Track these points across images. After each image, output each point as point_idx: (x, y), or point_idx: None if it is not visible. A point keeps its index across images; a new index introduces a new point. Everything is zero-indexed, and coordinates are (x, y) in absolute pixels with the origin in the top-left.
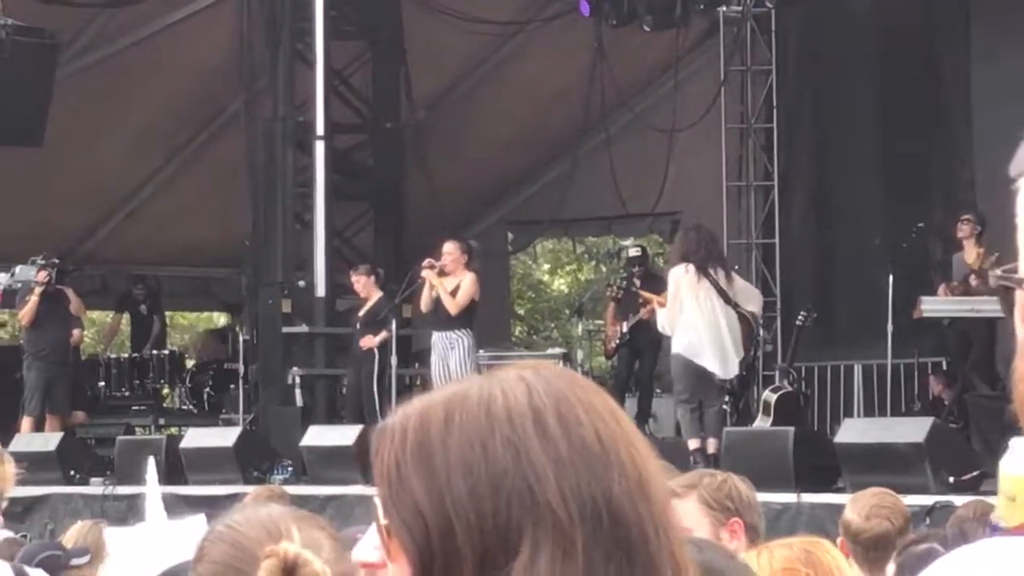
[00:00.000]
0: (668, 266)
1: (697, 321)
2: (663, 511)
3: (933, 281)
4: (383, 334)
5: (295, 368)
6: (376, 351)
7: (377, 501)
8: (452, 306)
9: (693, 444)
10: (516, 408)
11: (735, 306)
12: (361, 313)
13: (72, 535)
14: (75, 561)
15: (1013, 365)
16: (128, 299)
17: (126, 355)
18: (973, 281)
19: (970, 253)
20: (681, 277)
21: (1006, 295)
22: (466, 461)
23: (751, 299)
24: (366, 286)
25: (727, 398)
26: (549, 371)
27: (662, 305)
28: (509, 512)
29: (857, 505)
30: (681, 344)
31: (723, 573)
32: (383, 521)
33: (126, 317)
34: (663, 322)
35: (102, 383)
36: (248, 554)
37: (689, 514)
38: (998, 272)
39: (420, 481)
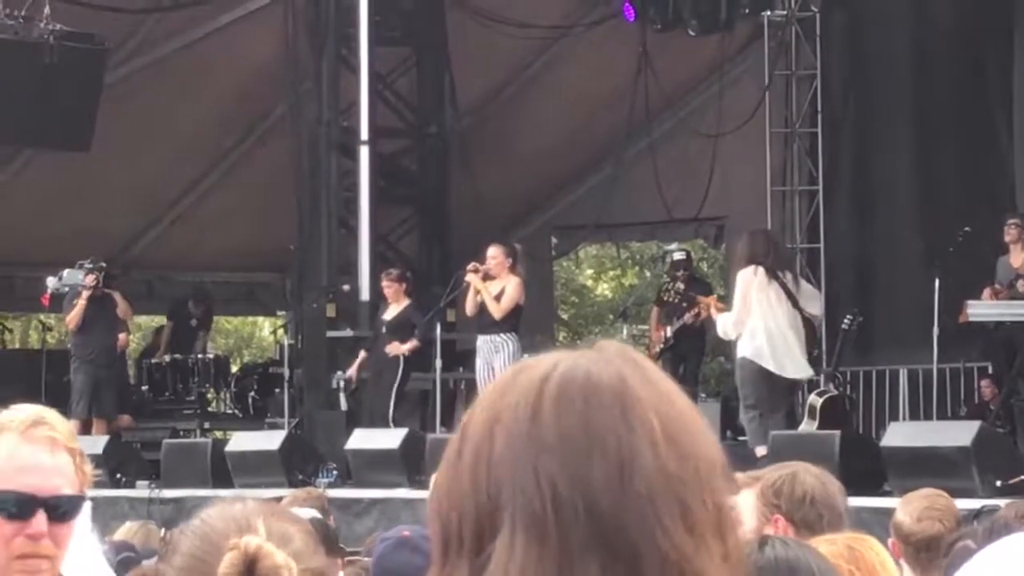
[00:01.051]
0: (734, 269)
1: (768, 324)
2: (652, 503)
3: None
4: (412, 342)
5: (340, 372)
6: (401, 359)
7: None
8: (497, 310)
9: (760, 451)
10: (525, 392)
11: (800, 309)
12: (388, 317)
13: (121, 535)
14: (145, 563)
15: None
16: (182, 309)
17: (168, 358)
18: (1020, 285)
19: (1017, 257)
20: (751, 280)
21: None
22: (476, 445)
23: (814, 302)
24: (397, 292)
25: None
26: (597, 351)
27: (720, 309)
28: (499, 499)
29: (909, 506)
30: (749, 349)
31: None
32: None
33: (170, 324)
34: (726, 326)
35: (146, 387)
36: (214, 547)
37: (745, 507)
38: None
39: (449, 463)
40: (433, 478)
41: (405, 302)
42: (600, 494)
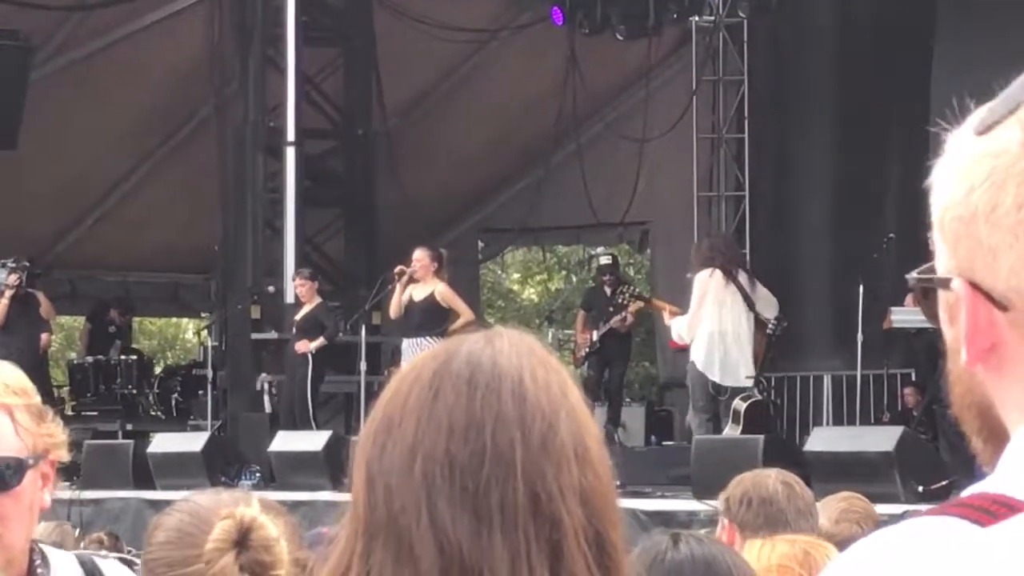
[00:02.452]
0: (690, 273)
1: (714, 329)
2: (514, 483)
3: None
4: (319, 340)
5: (264, 374)
6: (310, 357)
7: None
8: (467, 313)
9: None
10: (425, 369)
11: (757, 312)
12: (298, 318)
13: (36, 535)
14: None
15: (947, 368)
16: (102, 313)
17: (91, 359)
18: None
19: None
20: (707, 282)
21: (926, 298)
22: (387, 416)
23: (770, 306)
24: (309, 290)
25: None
26: (510, 339)
27: (674, 314)
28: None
29: (827, 510)
30: (698, 354)
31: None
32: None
33: (88, 326)
34: (680, 329)
35: (67, 387)
36: (203, 520)
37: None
38: (914, 275)
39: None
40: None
41: (316, 300)
42: (466, 471)
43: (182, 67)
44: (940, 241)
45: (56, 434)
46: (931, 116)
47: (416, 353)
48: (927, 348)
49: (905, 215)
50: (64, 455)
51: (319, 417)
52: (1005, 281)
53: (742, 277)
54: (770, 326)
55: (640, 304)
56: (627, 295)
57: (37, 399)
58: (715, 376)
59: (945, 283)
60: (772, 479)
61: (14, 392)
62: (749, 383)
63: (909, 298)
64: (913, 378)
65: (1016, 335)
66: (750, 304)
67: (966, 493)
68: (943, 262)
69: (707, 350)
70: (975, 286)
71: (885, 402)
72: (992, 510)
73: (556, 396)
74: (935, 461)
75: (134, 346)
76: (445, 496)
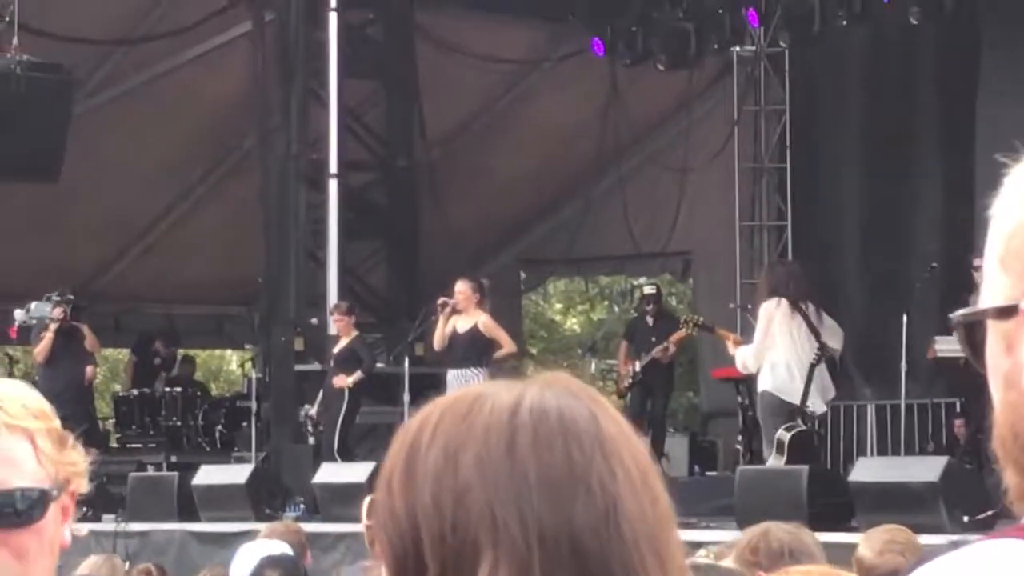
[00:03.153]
0: (756, 301)
1: (789, 358)
2: (636, 547)
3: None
4: (357, 374)
5: (307, 406)
6: (346, 391)
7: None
8: (509, 345)
9: None
10: (495, 423)
11: (823, 344)
12: (336, 350)
13: (85, 569)
14: None
15: (994, 398)
16: (147, 346)
17: (136, 392)
18: None
19: None
20: (773, 312)
21: (968, 336)
22: (437, 471)
23: (836, 336)
24: (347, 325)
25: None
26: (559, 385)
27: (738, 343)
28: (469, 528)
29: (870, 541)
30: (770, 383)
31: None
32: (367, 521)
33: (133, 359)
34: (745, 358)
35: (112, 420)
36: None
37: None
38: (958, 315)
39: (400, 485)
40: (374, 498)
41: (353, 334)
42: (586, 535)
43: (225, 100)
44: (1000, 270)
45: (78, 462)
46: (975, 144)
47: (462, 384)
48: (973, 377)
49: (948, 244)
50: (85, 486)
51: (361, 448)
52: None
53: (809, 307)
54: (813, 356)
55: (685, 334)
56: (690, 324)
57: (57, 423)
58: (796, 400)
59: (1008, 312)
60: (789, 531)
61: (34, 415)
62: (823, 409)
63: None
64: (958, 408)
65: None
66: (816, 335)
67: None
68: (1004, 290)
69: (786, 377)
70: None
71: (930, 432)
72: None
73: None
74: (981, 491)
75: (196, 378)
76: (648, 553)
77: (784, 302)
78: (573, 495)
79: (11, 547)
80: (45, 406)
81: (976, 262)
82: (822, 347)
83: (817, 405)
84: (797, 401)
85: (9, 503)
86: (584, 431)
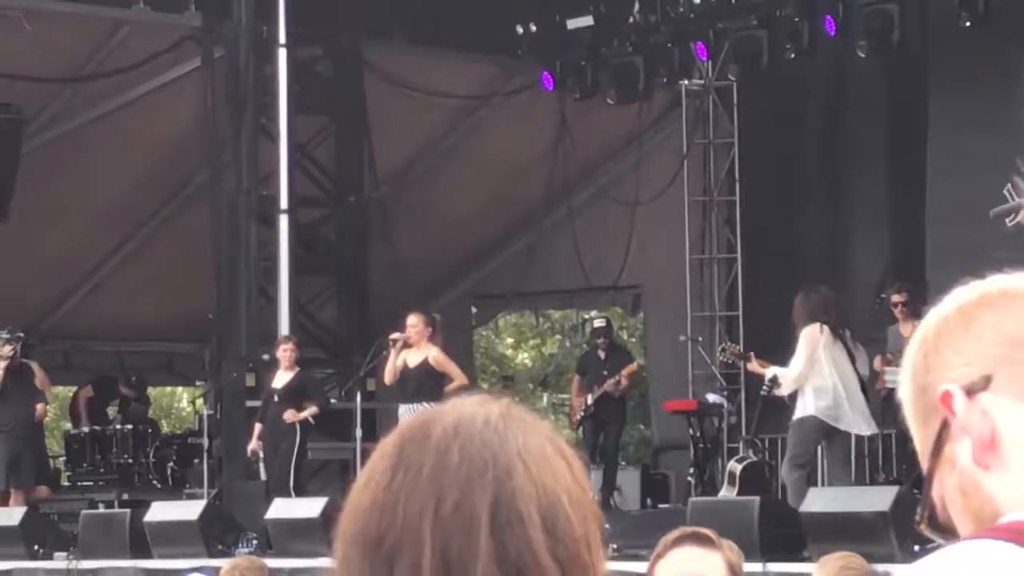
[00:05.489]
0: (799, 327)
1: (838, 383)
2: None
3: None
4: (312, 408)
5: (259, 442)
6: (298, 426)
7: None
8: (460, 378)
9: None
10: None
11: (856, 369)
12: (279, 386)
13: None
14: None
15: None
16: (110, 386)
17: (88, 429)
18: None
19: (906, 326)
20: (818, 337)
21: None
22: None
23: (865, 363)
24: (292, 359)
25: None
26: (459, 408)
27: (763, 366)
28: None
29: (824, 569)
30: (814, 407)
31: None
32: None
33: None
34: (787, 379)
35: (63, 457)
36: None
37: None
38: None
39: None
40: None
41: (296, 369)
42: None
43: (175, 137)
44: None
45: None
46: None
47: None
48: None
49: (897, 276)
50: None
51: (314, 484)
52: None
53: (846, 334)
54: (764, 387)
55: (636, 367)
56: (728, 353)
57: None
58: (843, 426)
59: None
60: None
61: None
62: (870, 433)
63: (877, 360)
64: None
65: None
66: (853, 360)
67: (1003, 521)
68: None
69: (826, 404)
70: None
71: (880, 463)
72: None
73: (481, 463)
74: None
75: (151, 416)
76: (359, 572)
77: (826, 328)
78: (381, 512)
79: None
80: None
81: (894, 294)
82: (773, 380)
83: (862, 428)
84: (843, 427)
85: None
86: (429, 452)
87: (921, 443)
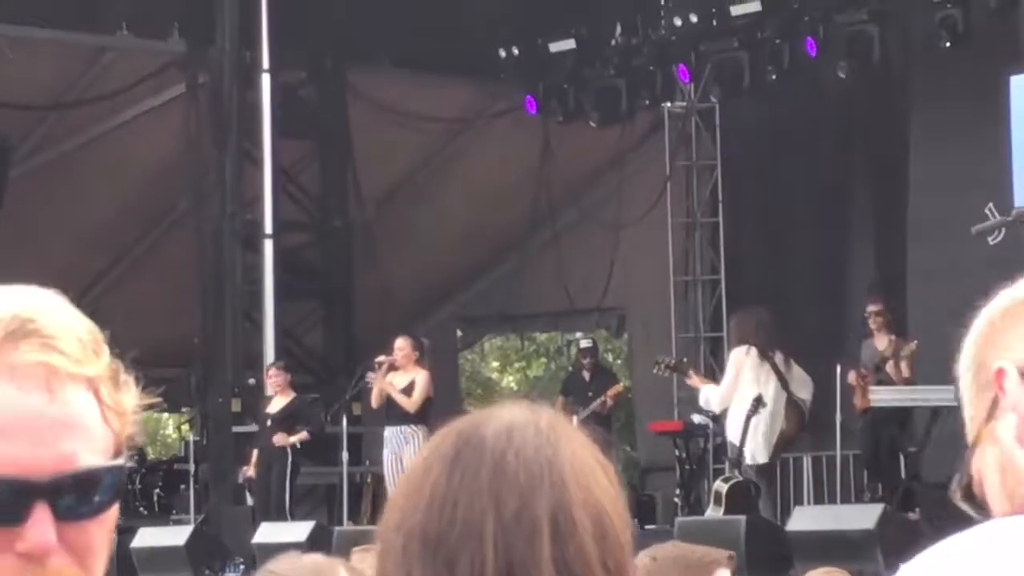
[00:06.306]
0: (731, 347)
1: (748, 408)
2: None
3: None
4: (302, 433)
5: (245, 467)
6: (289, 450)
7: None
8: (409, 404)
9: None
10: (429, 446)
11: (789, 393)
12: (273, 411)
13: None
14: None
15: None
16: None
17: None
18: (890, 368)
19: (881, 340)
20: (743, 360)
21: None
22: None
23: (804, 386)
24: (284, 384)
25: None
26: (508, 413)
27: (703, 381)
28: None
29: None
30: (731, 431)
31: None
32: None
33: None
34: (709, 398)
35: None
36: None
37: None
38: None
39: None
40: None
41: (291, 394)
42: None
43: (159, 162)
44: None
45: (131, 405)
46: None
47: (400, 441)
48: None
49: (881, 297)
50: (138, 437)
51: (300, 509)
52: None
53: (778, 357)
54: (748, 408)
55: (621, 388)
56: (662, 366)
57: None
58: (738, 443)
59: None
60: None
61: (94, 351)
62: (760, 461)
63: (851, 375)
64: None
65: None
66: (784, 383)
67: None
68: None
69: (736, 427)
70: None
71: (865, 481)
72: None
73: (538, 471)
74: (917, 537)
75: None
76: (420, 566)
77: (753, 350)
78: (440, 511)
79: (75, 545)
80: (98, 332)
81: (870, 308)
82: (758, 400)
83: (759, 455)
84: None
85: (79, 489)
86: (484, 452)
87: (971, 417)
